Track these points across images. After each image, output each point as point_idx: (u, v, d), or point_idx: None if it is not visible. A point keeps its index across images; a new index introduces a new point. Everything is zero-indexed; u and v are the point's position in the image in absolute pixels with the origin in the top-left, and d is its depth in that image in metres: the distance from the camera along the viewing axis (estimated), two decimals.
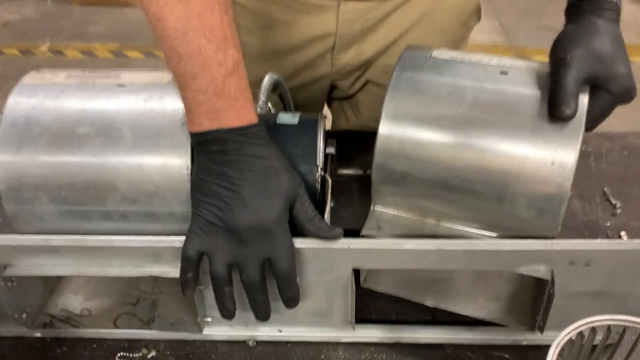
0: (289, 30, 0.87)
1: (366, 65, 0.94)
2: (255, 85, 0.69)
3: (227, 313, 0.62)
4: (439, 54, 0.66)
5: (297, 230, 0.60)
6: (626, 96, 0.58)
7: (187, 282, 0.60)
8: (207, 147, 0.58)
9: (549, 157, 0.57)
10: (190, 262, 0.59)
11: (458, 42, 0.95)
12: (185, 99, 0.58)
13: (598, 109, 0.58)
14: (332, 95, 1.02)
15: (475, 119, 0.60)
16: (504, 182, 0.59)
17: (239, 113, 0.57)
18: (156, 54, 3.06)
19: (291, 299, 0.61)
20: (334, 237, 0.60)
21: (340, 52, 0.90)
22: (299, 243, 0.60)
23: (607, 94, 0.58)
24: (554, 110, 0.56)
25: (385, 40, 0.90)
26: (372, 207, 0.66)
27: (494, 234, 0.63)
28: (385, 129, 0.62)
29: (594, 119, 0.59)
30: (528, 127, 0.58)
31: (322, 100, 1.02)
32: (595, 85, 0.58)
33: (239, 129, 0.57)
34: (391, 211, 0.65)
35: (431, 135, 0.61)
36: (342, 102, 1.03)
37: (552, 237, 0.60)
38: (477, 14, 0.94)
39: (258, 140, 0.58)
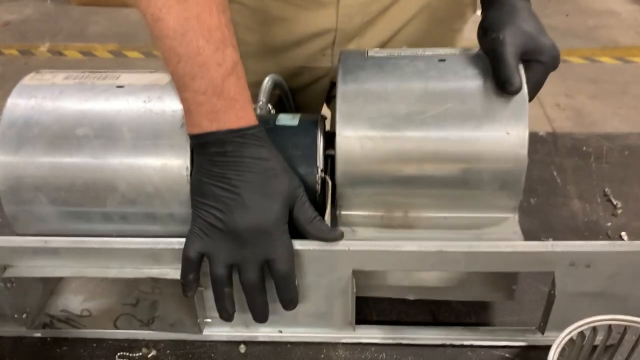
0: (288, 26, 0.87)
1: None
2: (255, 83, 0.69)
3: (226, 315, 0.61)
4: (374, 52, 0.67)
5: (297, 232, 0.60)
6: (554, 64, 0.63)
7: (189, 283, 0.60)
8: (206, 148, 0.57)
9: (504, 131, 0.60)
10: (191, 263, 0.59)
11: (455, 33, 0.95)
12: (184, 100, 0.58)
13: (534, 79, 0.63)
14: (331, 94, 1.02)
15: (429, 108, 0.61)
16: (467, 164, 0.61)
17: (239, 114, 0.57)
18: (155, 55, 3.06)
19: (289, 301, 0.61)
20: (335, 239, 0.60)
21: (340, 48, 0.90)
22: (299, 245, 0.60)
23: (539, 64, 0.62)
24: (504, 85, 0.60)
25: (384, 34, 0.89)
26: (337, 212, 0.65)
27: (461, 214, 0.65)
28: (343, 132, 0.62)
29: (532, 88, 0.63)
30: (479, 107, 0.61)
31: (322, 99, 1.02)
32: (527, 60, 0.62)
33: (238, 130, 0.57)
34: (357, 212, 0.65)
35: (389, 131, 0.61)
36: None
37: (515, 207, 0.64)
38: (472, 5, 0.94)
39: (258, 141, 0.58)
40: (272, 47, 0.90)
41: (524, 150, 0.61)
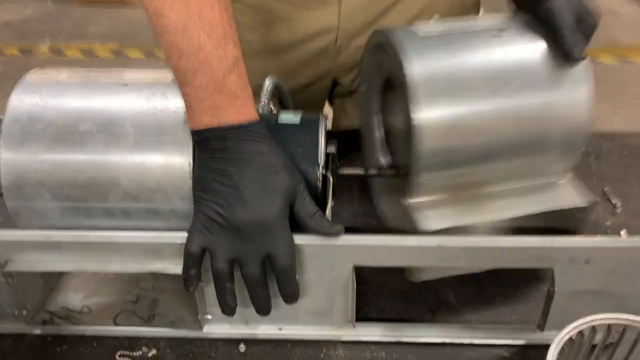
0: (290, 25, 0.87)
1: None
2: (257, 83, 0.69)
3: (228, 309, 0.62)
4: (426, 31, 0.66)
5: (298, 227, 0.60)
6: (596, 27, 0.65)
7: (190, 278, 0.60)
8: (207, 144, 0.58)
9: (572, 95, 0.64)
10: (193, 258, 0.59)
11: None
12: (185, 96, 0.58)
13: None
14: (333, 93, 1.03)
15: (501, 82, 0.63)
16: (542, 131, 0.64)
17: (240, 110, 0.58)
18: (156, 54, 3.06)
19: (290, 295, 0.61)
20: (335, 234, 0.60)
21: (342, 47, 0.90)
22: (300, 240, 0.60)
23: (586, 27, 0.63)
24: (569, 55, 0.62)
25: None
26: (407, 202, 0.65)
27: (521, 184, 0.66)
28: (423, 113, 0.61)
29: None
30: (546, 75, 0.63)
31: (323, 99, 1.02)
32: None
33: (239, 126, 0.57)
34: (427, 198, 0.65)
35: (468, 109, 0.62)
36: (343, 99, 1.03)
37: (572, 168, 0.68)
38: (476, 6, 0.94)
39: (258, 137, 0.58)
40: (274, 46, 0.90)
41: (588, 112, 0.64)
